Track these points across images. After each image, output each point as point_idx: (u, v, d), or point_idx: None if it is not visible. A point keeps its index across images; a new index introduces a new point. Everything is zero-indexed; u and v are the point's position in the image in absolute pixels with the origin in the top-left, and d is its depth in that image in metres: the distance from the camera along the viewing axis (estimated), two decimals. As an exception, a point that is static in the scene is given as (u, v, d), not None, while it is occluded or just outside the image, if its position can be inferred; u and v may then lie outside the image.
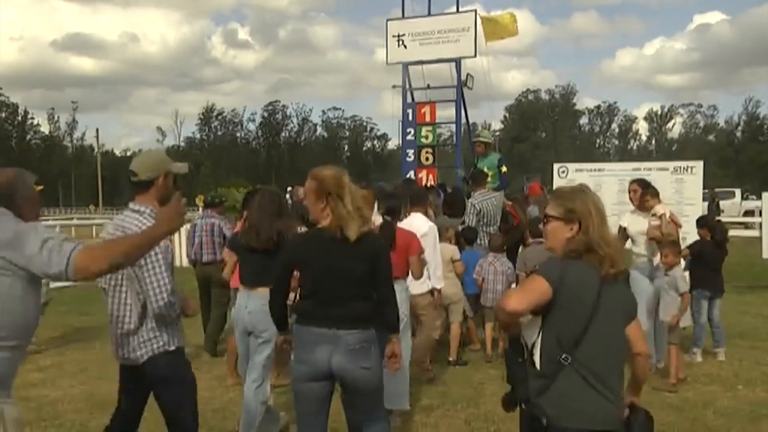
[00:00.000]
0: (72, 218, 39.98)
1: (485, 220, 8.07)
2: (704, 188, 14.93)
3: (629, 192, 7.22)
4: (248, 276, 4.89)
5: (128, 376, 3.81)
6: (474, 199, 8.21)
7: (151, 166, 3.68)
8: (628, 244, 7.07)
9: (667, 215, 6.81)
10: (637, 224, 7.00)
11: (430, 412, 5.71)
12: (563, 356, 2.72)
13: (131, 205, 3.66)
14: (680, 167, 13.32)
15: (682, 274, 6.51)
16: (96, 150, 78.35)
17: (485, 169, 9.52)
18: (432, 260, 6.09)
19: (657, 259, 6.89)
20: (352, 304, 3.60)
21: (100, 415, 5.65)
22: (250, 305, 4.79)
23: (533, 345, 2.83)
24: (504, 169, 9.63)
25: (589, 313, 2.72)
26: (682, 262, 6.87)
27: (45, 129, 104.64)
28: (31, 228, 2.59)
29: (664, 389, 6.23)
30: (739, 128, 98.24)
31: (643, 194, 7.03)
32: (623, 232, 7.20)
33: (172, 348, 3.70)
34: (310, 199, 3.68)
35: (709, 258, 7.02)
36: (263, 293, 4.22)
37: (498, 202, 8.36)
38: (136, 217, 3.58)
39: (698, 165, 13.48)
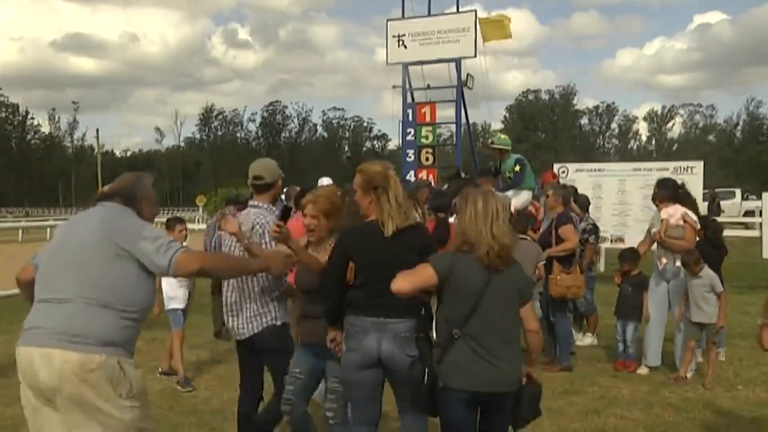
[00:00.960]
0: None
1: None
2: (704, 188, 14.98)
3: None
4: None
5: (242, 350, 4.45)
6: None
7: (272, 172, 4.56)
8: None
9: (673, 220, 6.78)
10: (655, 225, 7.03)
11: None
12: (454, 331, 3.28)
13: (252, 202, 4.57)
14: (680, 167, 13.34)
15: (713, 274, 6.48)
16: (96, 150, 78.22)
17: (507, 173, 9.50)
18: None
19: (663, 262, 6.90)
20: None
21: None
22: None
23: (434, 321, 3.41)
24: (517, 168, 9.51)
25: (475, 297, 3.25)
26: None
27: (45, 129, 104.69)
28: (146, 225, 3.16)
29: (706, 387, 6.30)
30: (738, 128, 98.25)
31: (654, 196, 7.08)
32: (648, 232, 7.20)
33: (279, 323, 4.36)
34: (359, 193, 3.84)
35: (706, 258, 7.00)
36: None
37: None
38: (257, 211, 4.42)
39: (698, 165, 13.50)
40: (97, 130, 71.40)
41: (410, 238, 3.74)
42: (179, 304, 6.61)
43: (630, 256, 7.16)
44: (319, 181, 9.91)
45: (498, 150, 9.67)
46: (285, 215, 4.63)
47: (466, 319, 3.26)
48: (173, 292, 6.52)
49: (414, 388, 3.77)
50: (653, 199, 7.08)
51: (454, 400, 3.33)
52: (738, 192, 35.11)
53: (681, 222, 6.75)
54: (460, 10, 14.65)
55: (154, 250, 3.02)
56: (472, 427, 3.41)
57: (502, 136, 10.09)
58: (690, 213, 6.86)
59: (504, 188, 8.98)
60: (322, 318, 3.85)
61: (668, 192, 6.99)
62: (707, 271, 6.45)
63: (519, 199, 8.56)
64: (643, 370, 6.87)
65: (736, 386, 6.38)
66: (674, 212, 6.82)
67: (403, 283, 3.32)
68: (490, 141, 10.14)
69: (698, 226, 6.89)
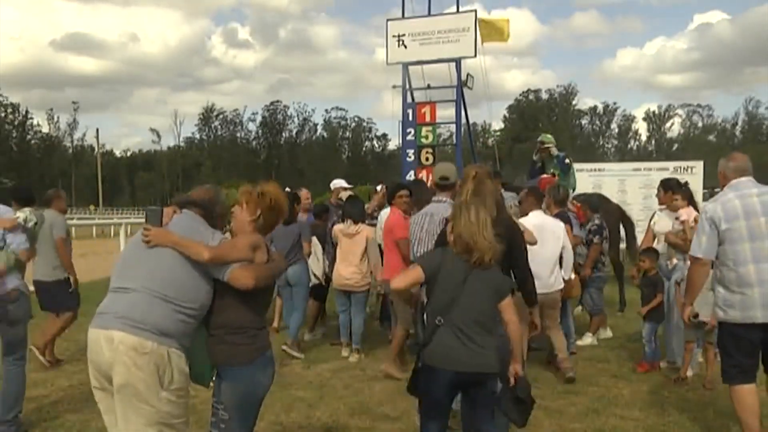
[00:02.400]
0: (72, 218, 39.92)
1: None
2: (704, 188, 14.97)
3: (657, 191, 7.33)
4: None
5: None
6: None
7: (455, 173, 5.47)
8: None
9: (691, 221, 6.76)
10: (661, 224, 7.02)
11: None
12: (438, 319, 3.73)
13: (435, 198, 5.59)
14: (680, 167, 13.37)
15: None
16: (96, 150, 78.29)
17: (551, 171, 9.84)
18: (565, 255, 6.81)
19: (674, 262, 6.89)
20: None
21: (101, 416, 5.64)
22: None
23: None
24: (568, 161, 9.98)
25: (455, 289, 3.71)
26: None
27: (45, 129, 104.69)
28: (215, 234, 3.50)
29: (707, 387, 6.30)
30: (738, 128, 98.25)
31: (673, 194, 7.13)
32: (651, 231, 7.20)
33: None
34: None
35: None
36: None
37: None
38: (443, 205, 5.33)
39: (698, 165, 13.54)
40: (97, 130, 71.69)
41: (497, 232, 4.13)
42: None
43: (652, 255, 7.08)
44: (332, 183, 10.29)
45: (547, 148, 10.11)
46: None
47: (448, 308, 3.71)
48: None
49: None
50: (668, 198, 7.14)
51: (435, 379, 3.72)
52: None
53: (693, 223, 6.73)
54: (460, 10, 14.60)
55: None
56: (448, 405, 3.86)
57: (549, 135, 10.40)
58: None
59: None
60: (225, 332, 3.47)
61: (687, 193, 7.10)
62: None
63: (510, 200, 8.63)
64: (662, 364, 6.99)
65: (737, 386, 6.37)
66: (691, 213, 6.84)
67: (398, 282, 3.96)
68: (540, 140, 10.46)
69: None
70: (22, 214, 6.08)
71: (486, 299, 3.77)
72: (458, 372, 3.69)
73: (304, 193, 9.03)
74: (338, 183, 10.41)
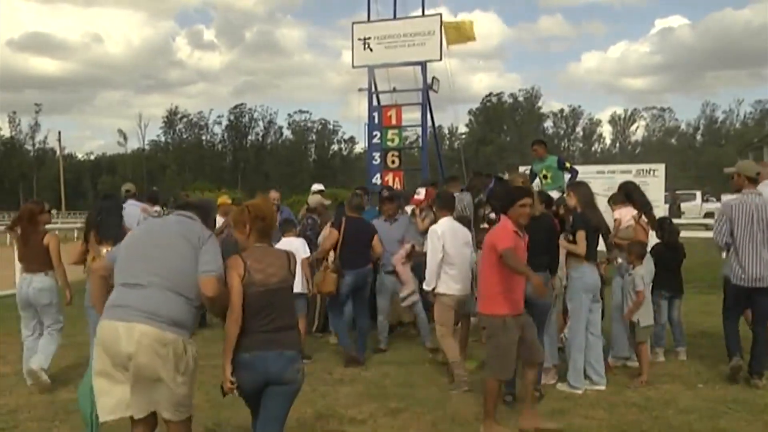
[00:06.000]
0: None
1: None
2: (666, 190, 15.20)
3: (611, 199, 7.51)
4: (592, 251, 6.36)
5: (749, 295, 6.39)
6: None
7: (754, 168, 6.47)
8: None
9: (624, 221, 7.08)
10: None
11: (397, 414, 5.72)
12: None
13: (747, 190, 6.37)
14: (642, 170, 13.54)
15: (640, 273, 6.61)
16: (58, 153, 77.04)
17: (543, 172, 10.07)
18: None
19: (619, 261, 7.03)
20: (535, 259, 5.46)
21: (63, 424, 5.54)
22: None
23: None
24: (568, 164, 10.19)
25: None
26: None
27: (6, 132, 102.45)
28: (212, 237, 3.93)
29: (635, 386, 6.41)
30: (699, 132, 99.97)
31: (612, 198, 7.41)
32: None
33: None
34: None
35: (663, 259, 7.12)
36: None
37: (468, 203, 8.49)
38: (757, 197, 6.30)
39: (660, 168, 13.70)
40: (59, 133, 70.60)
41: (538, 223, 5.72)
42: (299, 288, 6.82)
43: None
44: (312, 187, 10.44)
45: (544, 146, 10.43)
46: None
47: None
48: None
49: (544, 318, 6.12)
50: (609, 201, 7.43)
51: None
52: (698, 194, 35.67)
53: (631, 222, 6.96)
54: (426, 13, 14.66)
55: (203, 261, 3.73)
56: None
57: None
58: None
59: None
60: None
61: (619, 194, 7.35)
62: (637, 270, 6.59)
63: (468, 200, 8.72)
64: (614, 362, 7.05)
65: (697, 384, 6.49)
66: (626, 213, 7.11)
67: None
68: (536, 139, 10.85)
69: (649, 228, 7.21)
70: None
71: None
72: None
73: (272, 195, 9.27)
74: (315, 187, 10.59)
